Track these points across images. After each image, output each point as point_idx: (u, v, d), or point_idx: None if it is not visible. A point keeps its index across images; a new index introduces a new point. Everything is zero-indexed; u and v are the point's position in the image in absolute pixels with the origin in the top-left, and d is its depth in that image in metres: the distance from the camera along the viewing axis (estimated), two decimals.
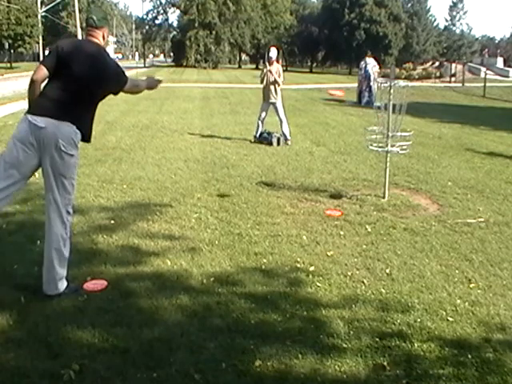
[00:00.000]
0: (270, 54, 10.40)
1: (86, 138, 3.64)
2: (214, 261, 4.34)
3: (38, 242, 4.50)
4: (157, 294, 3.68)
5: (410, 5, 64.57)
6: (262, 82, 10.54)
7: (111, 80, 3.68)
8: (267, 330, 3.26)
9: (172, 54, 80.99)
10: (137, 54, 52.72)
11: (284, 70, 12.30)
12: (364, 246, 4.82)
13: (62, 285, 3.65)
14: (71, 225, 3.74)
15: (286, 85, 11.70)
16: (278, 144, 10.23)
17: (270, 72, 10.30)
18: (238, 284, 3.91)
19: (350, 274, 4.17)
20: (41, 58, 51.41)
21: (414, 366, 2.93)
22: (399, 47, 61.06)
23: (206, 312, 3.46)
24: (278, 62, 10.87)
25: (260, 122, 10.57)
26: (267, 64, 10.55)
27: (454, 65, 42.83)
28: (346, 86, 29.18)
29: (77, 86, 3.51)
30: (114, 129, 11.82)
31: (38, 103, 3.52)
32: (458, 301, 3.74)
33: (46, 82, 3.58)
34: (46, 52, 63.01)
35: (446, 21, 66.69)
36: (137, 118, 13.71)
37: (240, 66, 74.70)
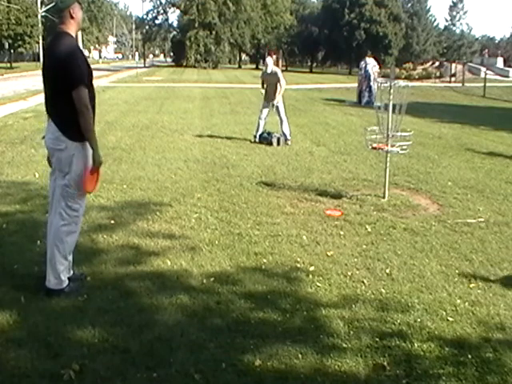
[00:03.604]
0: (267, 62, 10.53)
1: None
2: (213, 261, 4.34)
3: (38, 241, 4.51)
4: (157, 294, 3.69)
5: (409, 5, 64.50)
6: (262, 87, 10.68)
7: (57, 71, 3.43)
8: (267, 329, 3.27)
9: (172, 54, 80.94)
10: (137, 53, 52.45)
11: (284, 70, 12.34)
12: (364, 246, 4.82)
13: (51, 282, 3.63)
14: (77, 223, 3.73)
15: (286, 85, 11.67)
16: (278, 144, 10.23)
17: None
18: (238, 284, 3.91)
19: (350, 274, 4.17)
20: (41, 58, 51.56)
21: (413, 366, 2.93)
22: (399, 47, 60.99)
23: (205, 312, 3.47)
24: (277, 65, 10.91)
25: (260, 122, 10.58)
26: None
27: (454, 65, 42.81)
28: (345, 86, 29.23)
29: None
30: (113, 129, 11.81)
31: None
32: (458, 301, 3.75)
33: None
34: None
35: (446, 21, 66.69)
36: (137, 118, 13.70)
37: (240, 66, 74.68)
